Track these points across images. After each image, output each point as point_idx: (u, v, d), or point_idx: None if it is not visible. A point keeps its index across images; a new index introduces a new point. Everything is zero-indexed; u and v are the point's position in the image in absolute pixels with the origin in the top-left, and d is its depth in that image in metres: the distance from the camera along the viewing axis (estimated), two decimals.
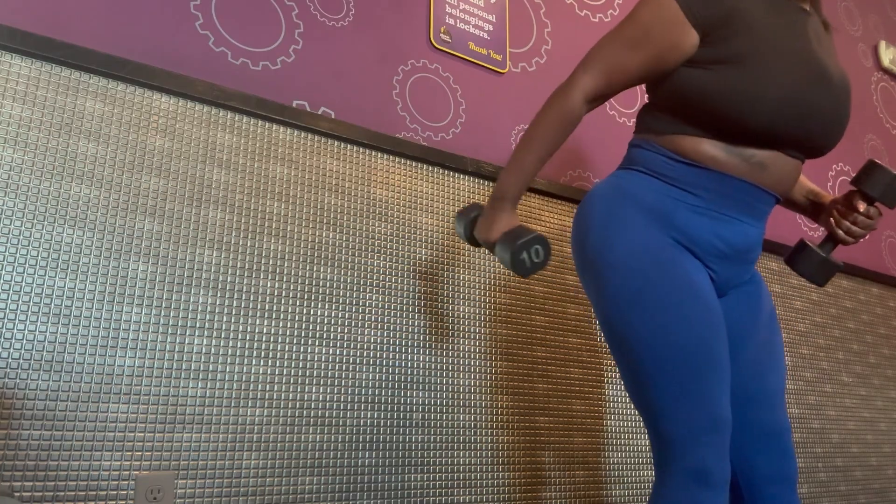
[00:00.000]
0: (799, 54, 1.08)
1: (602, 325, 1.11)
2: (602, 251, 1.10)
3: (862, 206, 1.16)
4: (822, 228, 2.53)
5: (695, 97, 1.08)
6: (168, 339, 1.25)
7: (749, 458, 1.11)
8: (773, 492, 1.09)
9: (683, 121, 1.11)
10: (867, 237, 2.72)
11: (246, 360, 1.32)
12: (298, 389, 1.36)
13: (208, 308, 1.30)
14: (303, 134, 1.48)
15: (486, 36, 1.82)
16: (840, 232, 1.18)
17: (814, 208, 1.31)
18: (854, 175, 1.18)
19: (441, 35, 1.75)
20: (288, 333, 1.38)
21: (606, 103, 2.03)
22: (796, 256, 1.20)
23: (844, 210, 1.18)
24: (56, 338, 1.16)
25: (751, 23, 1.07)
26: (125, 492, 1.17)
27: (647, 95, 1.21)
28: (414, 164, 1.62)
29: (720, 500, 0.99)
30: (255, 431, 1.30)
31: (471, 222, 1.26)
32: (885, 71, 3.07)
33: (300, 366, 1.38)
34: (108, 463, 1.17)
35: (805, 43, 1.10)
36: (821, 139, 1.11)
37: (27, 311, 1.15)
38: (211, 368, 1.28)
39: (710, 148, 1.10)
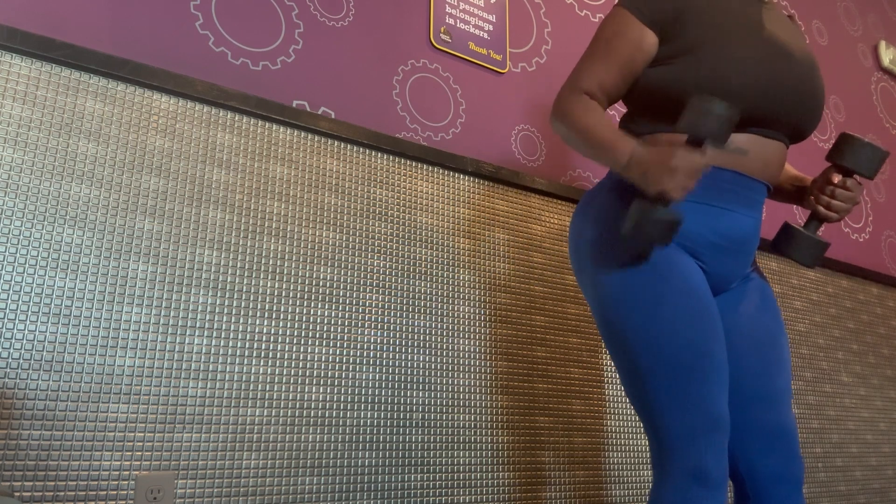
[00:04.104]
0: (754, 34, 1.10)
1: (599, 326, 1.11)
2: (597, 254, 1.10)
3: (836, 178, 1.15)
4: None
5: (662, 92, 1.11)
6: (168, 339, 1.25)
7: (755, 459, 1.11)
8: (778, 492, 1.09)
9: (659, 119, 1.14)
10: (870, 227, 2.72)
11: (246, 360, 1.32)
12: (298, 389, 1.36)
13: (208, 308, 1.30)
14: (303, 134, 1.48)
15: (486, 36, 1.82)
16: (820, 207, 1.17)
17: (800, 193, 1.31)
18: (829, 150, 1.17)
19: (441, 35, 1.75)
20: (288, 333, 1.38)
21: None
22: (781, 239, 1.18)
23: (822, 185, 1.18)
24: (56, 338, 1.16)
25: (702, 13, 1.11)
26: (125, 492, 1.17)
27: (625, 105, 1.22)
28: (414, 164, 1.62)
29: (719, 500, 0.99)
30: (255, 431, 1.30)
31: (643, 201, 1.00)
32: (885, 71, 3.07)
33: (300, 366, 1.38)
34: (108, 463, 1.17)
35: (759, 24, 1.13)
36: (793, 115, 1.11)
37: (27, 311, 1.15)
38: (211, 368, 1.28)
39: None
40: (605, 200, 1.15)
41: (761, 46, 1.09)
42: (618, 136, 1.06)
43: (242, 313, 1.34)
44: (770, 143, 1.12)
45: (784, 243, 1.17)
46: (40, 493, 1.11)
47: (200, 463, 1.24)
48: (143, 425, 1.20)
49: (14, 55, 1.21)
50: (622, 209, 1.12)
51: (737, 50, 1.07)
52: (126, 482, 1.17)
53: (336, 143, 1.52)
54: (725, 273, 1.15)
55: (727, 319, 1.17)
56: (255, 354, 1.33)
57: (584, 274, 1.14)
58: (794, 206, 2.53)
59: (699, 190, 1.10)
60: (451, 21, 1.77)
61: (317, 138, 1.50)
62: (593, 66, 1.15)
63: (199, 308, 1.29)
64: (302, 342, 1.39)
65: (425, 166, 1.63)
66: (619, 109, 2.07)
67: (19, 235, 1.16)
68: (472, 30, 1.80)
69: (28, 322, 1.15)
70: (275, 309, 1.37)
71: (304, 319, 1.40)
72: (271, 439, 1.32)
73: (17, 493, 1.09)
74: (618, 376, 1.82)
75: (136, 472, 1.18)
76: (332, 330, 1.43)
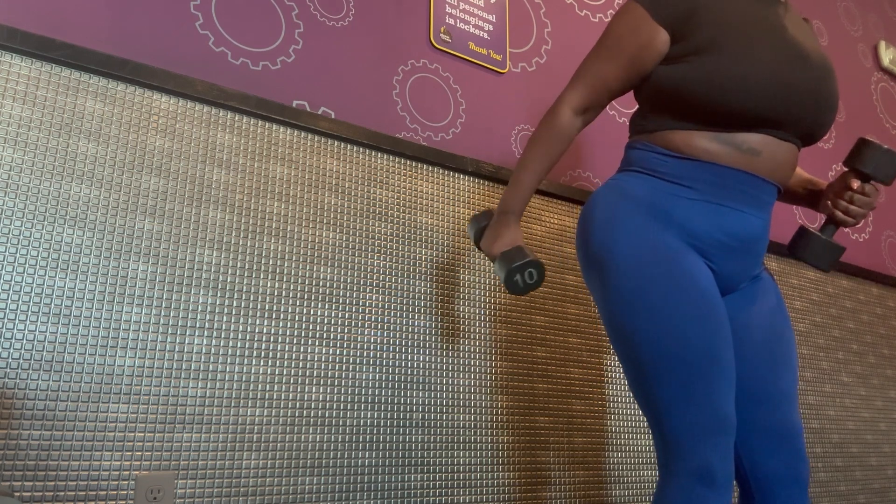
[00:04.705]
0: (771, 35, 1.10)
1: (606, 326, 1.11)
2: (604, 253, 1.10)
3: (856, 184, 1.15)
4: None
5: (675, 90, 1.11)
6: (168, 339, 1.25)
7: (760, 460, 1.10)
8: (783, 493, 1.09)
9: (671, 117, 1.13)
10: (870, 227, 2.72)
11: (246, 360, 1.32)
12: (298, 389, 1.36)
13: (208, 308, 1.30)
14: (303, 134, 1.48)
15: (486, 36, 1.82)
16: (838, 213, 1.17)
17: (813, 197, 1.31)
18: (847, 155, 1.18)
19: (441, 35, 1.75)
20: (288, 333, 1.38)
21: None
22: (798, 243, 1.18)
23: (840, 190, 1.18)
24: (56, 338, 1.16)
25: (718, 12, 1.11)
26: (125, 492, 1.17)
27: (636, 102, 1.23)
28: (414, 164, 1.62)
29: (724, 500, 0.99)
30: (255, 431, 1.30)
31: (480, 231, 1.31)
32: (885, 71, 3.07)
33: (300, 366, 1.38)
34: (108, 463, 1.17)
35: (777, 25, 1.13)
36: (807, 117, 1.11)
37: (27, 311, 1.15)
38: (211, 368, 1.28)
39: (701, 139, 1.11)
40: (612, 199, 1.14)
41: (777, 47, 1.09)
42: (523, 190, 1.20)
43: (242, 313, 1.34)
44: (782, 145, 1.12)
45: (801, 247, 1.17)
46: (40, 493, 1.11)
47: (200, 463, 1.24)
48: (143, 425, 1.20)
49: (14, 55, 1.21)
50: (629, 208, 1.11)
51: (752, 50, 1.07)
52: (126, 482, 1.17)
53: (336, 143, 1.52)
54: (734, 273, 1.15)
55: (735, 319, 1.17)
56: (255, 354, 1.33)
57: (591, 273, 1.14)
58: (794, 207, 2.53)
59: (709, 189, 1.10)
60: (451, 21, 1.77)
61: (317, 138, 1.50)
62: (599, 59, 1.17)
63: (199, 308, 1.29)
64: (302, 342, 1.39)
65: (425, 166, 1.63)
66: (619, 110, 2.07)
67: (19, 235, 1.16)
68: (472, 30, 1.80)
69: (28, 322, 1.15)
70: (275, 309, 1.37)
71: (304, 319, 1.40)
72: (271, 439, 1.32)
73: (17, 493, 1.09)
74: (618, 376, 1.82)
75: (136, 472, 1.18)
76: (332, 330, 1.43)
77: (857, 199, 1.15)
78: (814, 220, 2.58)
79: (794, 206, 2.54)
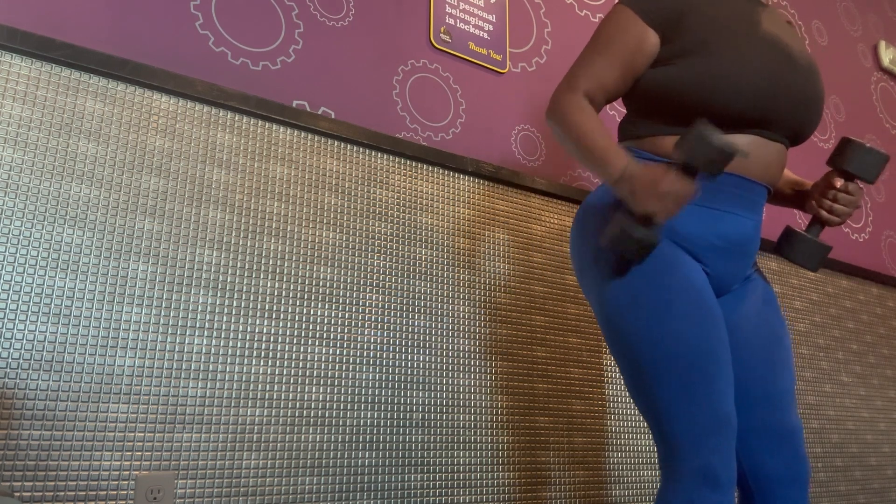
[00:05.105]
0: (756, 36, 1.11)
1: (603, 329, 1.11)
2: (600, 256, 1.10)
3: (839, 183, 1.16)
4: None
5: (665, 92, 1.11)
6: (168, 339, 1.25)
7: (760, 460, 1.10)
8: (784, 493, 1.09)
9: (660, 121, 1.13)
10: (870, 227, 2.72)
11: (246, 360, 1.32)
12: (298, 389, 1.36)
13: (208, 308, 1.30)
14: (303, 134, 1.48)
15: (486, 36, 1.82)
16: (822, 212, 1.17)
17: (800, 197, 1.31)
18: (830, 154, 1.18)
19: (441, 35, 1.75)
20: (288, 333, 1.38)
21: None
22: (784, 243, 1.19)
23: (824, 190, 1.18)
24: (56, 338, 1.16)
25: (705, 13, 1.11)
26: (125, 492, 1.17)
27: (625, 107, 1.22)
28: (414, 164, 1.62)
29: (727, 501, 0.99)
30: (255, 431, 1.30)
31: (626, 217, 1.01)
32: (885, 71, 3.07)
33: (300, 366, 1.38)
34: (108, 463, 1.17)
35: (763, 27, 1.13)
36: (795, 117, 1.12)
37: (27, 311, 1.15)
38: (211, 368, 1.28)
39: None
40: (608, 202, 1.14)
41: (764, 48, 1.09)
42: (612, 148, 1.05)
43: (242, 313, 1.34)
44: (771, 145, 1.12)
45: (787, 247, 1.18)
46: (40, 493, 1.11)
47: (200, 463, 1.24)
48: (143, 425, 1.20)
49: (14, 55, 1.21)
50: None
51: (740, 51, 1.07)
52: (126, 482, 1.17)
53: (336, 143, 1.52)
54: (727, 275, 1.15)
55: (730, 321, 1.17)
56: (255, 354, 1.33)
57: (586, 277, 1.14)
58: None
59: (700, 193, 1.10)
60: (451, 21, 1.77)
61: (317, 138, 1.50)
62: (593, 64, 1.15)
63: (199, 308, 1.29)
64: (302, 342, 1.39)
65: (425, 166, 1.63)
66: (619, 110, 2.07)
67: (19, 235, 1.16)
68: (472, 30, 1.80)
69: (28, 322, 1.15)
70: (275, 309, 1.37)
71: (304, 319, 1.40)
72: (271, 439, 1.32)
73: (17, 493, 1.09)
74: (618, 376, 1.82)
75: (136, 472, 1.18)
76: (332, 330, 1.43)
77: (840, 198, 1.16)
78: None
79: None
